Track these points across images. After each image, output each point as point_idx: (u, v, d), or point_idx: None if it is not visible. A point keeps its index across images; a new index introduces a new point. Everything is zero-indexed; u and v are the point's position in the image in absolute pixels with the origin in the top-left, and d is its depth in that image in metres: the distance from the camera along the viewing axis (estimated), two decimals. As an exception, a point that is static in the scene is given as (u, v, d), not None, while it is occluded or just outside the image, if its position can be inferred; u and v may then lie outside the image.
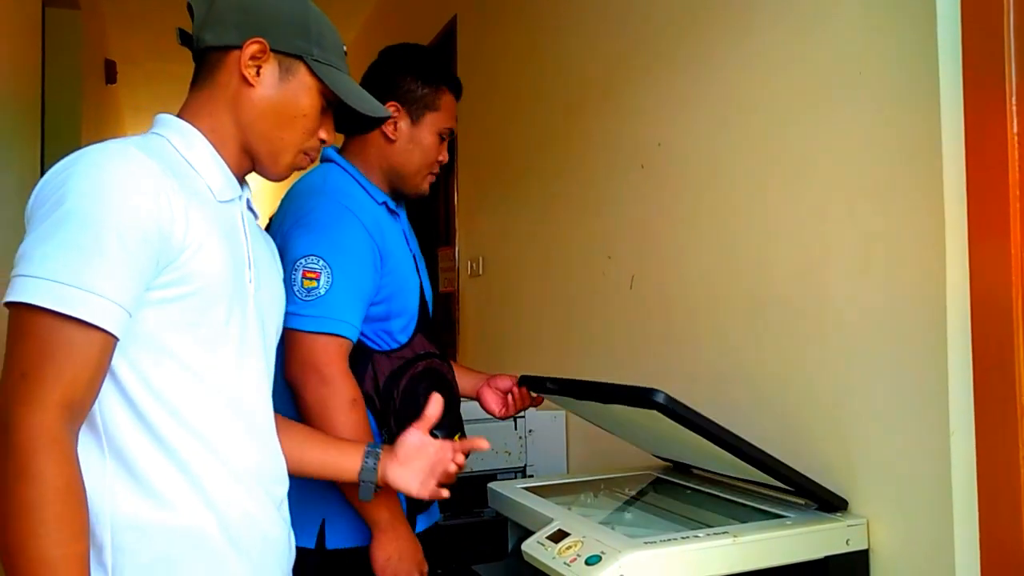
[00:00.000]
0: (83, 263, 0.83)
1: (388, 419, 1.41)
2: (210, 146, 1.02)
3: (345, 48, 1.11)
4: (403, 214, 1.60)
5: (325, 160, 1.51)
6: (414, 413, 1.39)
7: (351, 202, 1.41)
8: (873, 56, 1.26)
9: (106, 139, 1.01)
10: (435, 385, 1.44)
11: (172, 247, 0.91)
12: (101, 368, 0.86)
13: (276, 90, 1.03)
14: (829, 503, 1.29)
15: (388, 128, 1.49)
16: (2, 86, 2.24)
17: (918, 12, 1.17)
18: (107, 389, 0.90)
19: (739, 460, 1.26)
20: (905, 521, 1.21)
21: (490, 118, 2.93)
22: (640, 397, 1.22)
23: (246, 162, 1.07)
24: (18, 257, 0.85)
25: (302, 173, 1.38)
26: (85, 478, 0.87)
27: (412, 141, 1.50)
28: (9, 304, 0.84)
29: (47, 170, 0.92)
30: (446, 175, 3.42)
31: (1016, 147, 0.98)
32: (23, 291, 0.82)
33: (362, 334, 1.37)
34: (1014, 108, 0.98)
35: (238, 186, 1.06)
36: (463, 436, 1.50)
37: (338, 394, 1.31)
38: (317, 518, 1.37)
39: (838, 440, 1.33)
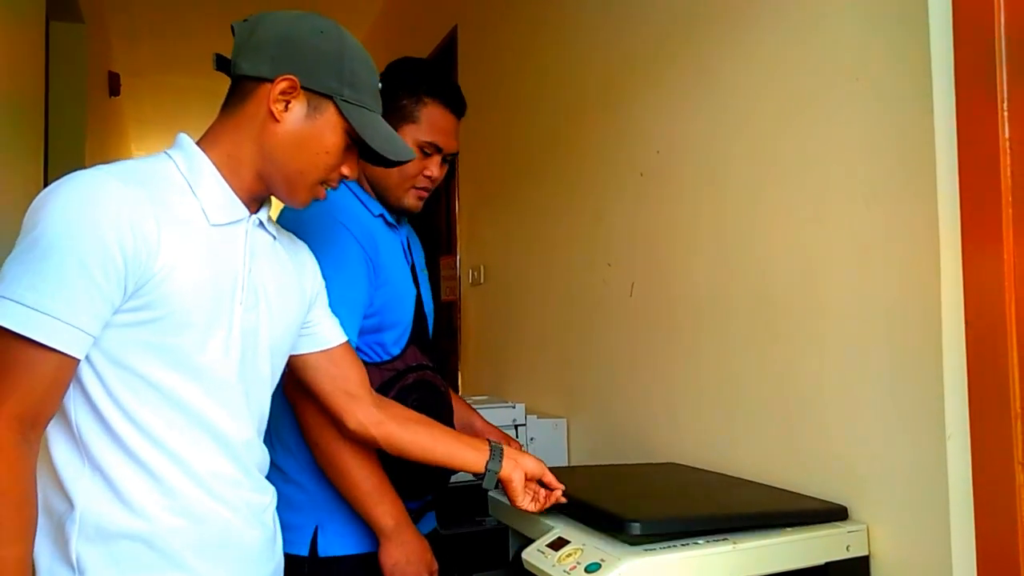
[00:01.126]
0: (45, 287, 0.89)
1: None
2: (215, 170, 1.04)
3: (380, 85, 1.12)
4: (406, 227, 1.58)
5: None
6: None
7: (344, 216, 1.40)
8: (868, 63, 1.27)
9: (110, 152, 1.03)
10: (425, 398, 1.44)
11: (139, 274, 0.94)
12: (57, 385, 0.93)
13: (301, 127, 1.04)
14: (829, 514, 1.29)
15: None
16: (6, 99, 2.26)
17: (911, 19, 1.17)
18: (79, 405, 0.97)
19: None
20: (904, 527, 1.21)
21: (490, 127, 2.94)
22: (615, 524, 1.19)
23: (262, 187, 1.08)
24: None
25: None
26: (65, 481, 0.96)
27: None
28: None
29: (49, 184, 0.96)
30: (447, 184, 3.43)
31: (1008, 153, 0.98)
32: None
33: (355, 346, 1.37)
34: (1006, 114, 0.98)
35: (240, 209, 1.07)
36: None
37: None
38: (310, 526, 1.38)
39: (838, 445, 1.33)
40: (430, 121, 1.47)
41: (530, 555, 1.25)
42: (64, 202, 0.91)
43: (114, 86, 4.83)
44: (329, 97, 1.05)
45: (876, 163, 1.26)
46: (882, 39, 1.24)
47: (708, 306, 1.67)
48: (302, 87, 1.03)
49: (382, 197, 1.49)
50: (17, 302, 0.88)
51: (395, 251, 1.50)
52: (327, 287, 1.31)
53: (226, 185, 1.05)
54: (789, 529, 1.25)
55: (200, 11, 4.45)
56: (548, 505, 1.29)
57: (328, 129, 1.06)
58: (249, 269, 1.06)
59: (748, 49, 1.55)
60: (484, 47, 3.06)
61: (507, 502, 1.47)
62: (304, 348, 1.21)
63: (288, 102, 1.04)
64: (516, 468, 1.27)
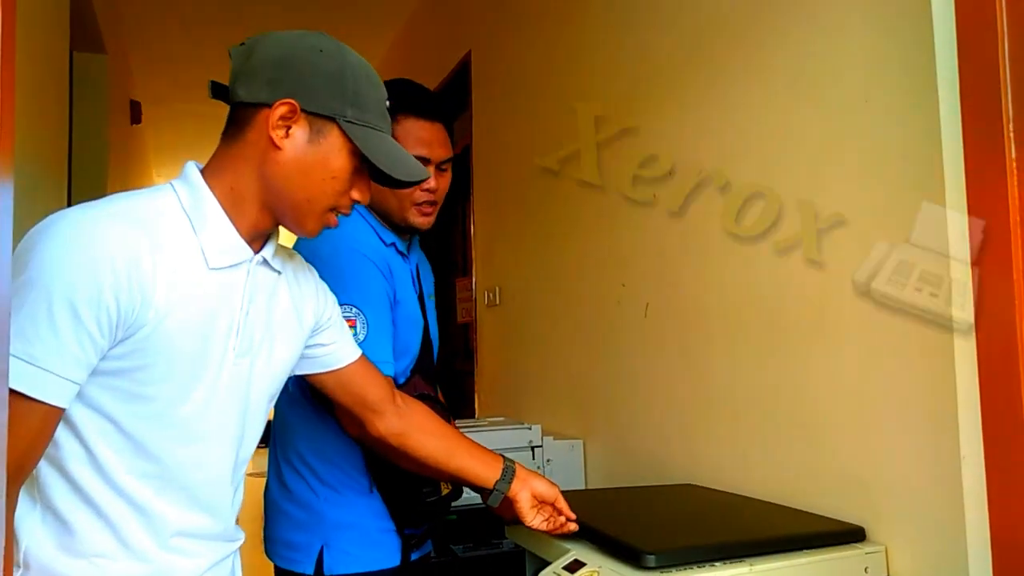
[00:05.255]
0: (34, 337, 0.84)
1: (376, 460, 1.40)
2: (219, 209, 0.98)
3: (388, 102, 1.05)
4: (416, 254, 1.59)
5: None
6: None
7: (366, 248, 1.42)
8: (879, 84, 1.28)
9: (131, 179, 1.02)
10: None
11: (130, 321, 0.89)
12: (42, 436, 0.88)
13: (305, 153, 0.98)
14: (846, 535, 1.28)
15: None
16: (30, 129, 2.31)
17: (920, 41, 1.18)
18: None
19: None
20: (922, 548, 1.20)
21: (505, 150, 2.97)
22: (631, 555, 1.18)
23: (267, 221, 1.02)
24: None
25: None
26: (16, 520, 0.90)
27: None
28: None
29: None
30: (462, 206, 3.45)
31: (1015, 172, 0.98)
32: None
33: None
34: (1011, 135, 0.99)
35: (244, 251, 1.01)
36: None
37: None
38: (316, 545, 1.40)
39: (853, 465, 1.33)
40: (408, 135, 1.43)
41: (546, 578, 1.25)
42: (57, 244, 0.86)
43: (135, 114, 4.92)
44: (332, 119, 0.98)
45: (886, 182, 1.26)
46: (892, 60, 1.25)
47: (721, 326, 1.67)
48: (302, 110, 0.97)
49: (389, 221, 1.49)
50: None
51: (405, 281, 1.51)
52: (366, 317, 1.34)
53: (230, 225, 0.99)
54: (806, 551, 1.24)
55: (217, 41, 4.52)
56: (558, 531, 1.29)
57: (333, 153, 0.99)
58: (246, 312, 1.01)
59: (761, 69, 1.57)
60: (497, 72, 3.09)
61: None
62: (318, 368, 1.20)
63: (289, 127, 0.97)
64: (524, 488, 1.28)
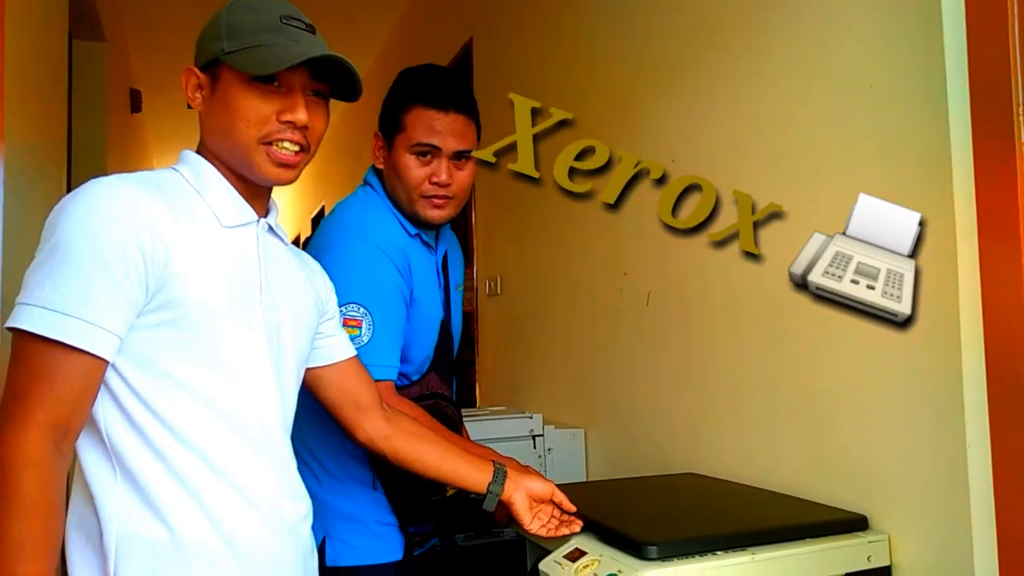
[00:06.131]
0: (68, 290, 0.89)
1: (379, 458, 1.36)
2: (220, 176, 1.06)
3: (285, 14, 1.05)
4: (445, 240, 1.55)
5: (366, 183, 1.49)
6: None
7: (385, 243, 1.39)
8: (884, 70, 1.27)
9: (131, 167, 1.05)
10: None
11: (159, 272, 0.94)
12: (88, 389, 0.92)
13: (212, 104, 1.05)
14: (849, 524, 1.27)
15: (378, 158, 1.46)
16: (29, 118, 2.30)
17: (926, 26, 1.17)
18: (110, 411, 0.95)
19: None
20: (926, 536, 1.20)
21: (506, 136, 2.95)
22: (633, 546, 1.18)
23: (245, 182, 1.07)
24: (21, 284, 0.92)
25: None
26: (98, 495, 0.94)
27: (393, 168, 1.44)
28: (9, 329, 0.91)
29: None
30: (464, 196, 3.44)
31: (1024, 157, 0.98)
32: (16, 318, 0.90)
33: None
34: (1021, 118, 0.98)
35: (250, 212, 1.08)
36: None
37: None
38: (318, 535, 1.36)
39: (857, 454, 1.32)
40: (415, 123, 1.41)
41: (547, 567, 1.25)
42: (81, 206, 0.92)
43: (136, 103, 4.90)
44: (216, 61, 1.03)
45: (893, 168, 1.25)
46: (898, 46, 1.24)
47: (724, 315, 1.67)
48: (200, 69, 1.05)
49: (406, 213, 1.45)
50: (41, 307, 0.88)
51: (428, 276, 1.48)
52: (372, 318, 1.32)
53: (233, 189, 1.06)
54: (809, 539, 1.24)
55: (219, 28, 4.49)
56: (559, 534, 1.28)
57: (229, 90, 1.03)
58: (265, 270, 1.07)
59: (764, 55, 1.55)
60: (499, 59, 3.07)
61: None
62: (314, 362, 1.21)
63: (200, 92, 1.05)
64: (518, 490, 1.28)
